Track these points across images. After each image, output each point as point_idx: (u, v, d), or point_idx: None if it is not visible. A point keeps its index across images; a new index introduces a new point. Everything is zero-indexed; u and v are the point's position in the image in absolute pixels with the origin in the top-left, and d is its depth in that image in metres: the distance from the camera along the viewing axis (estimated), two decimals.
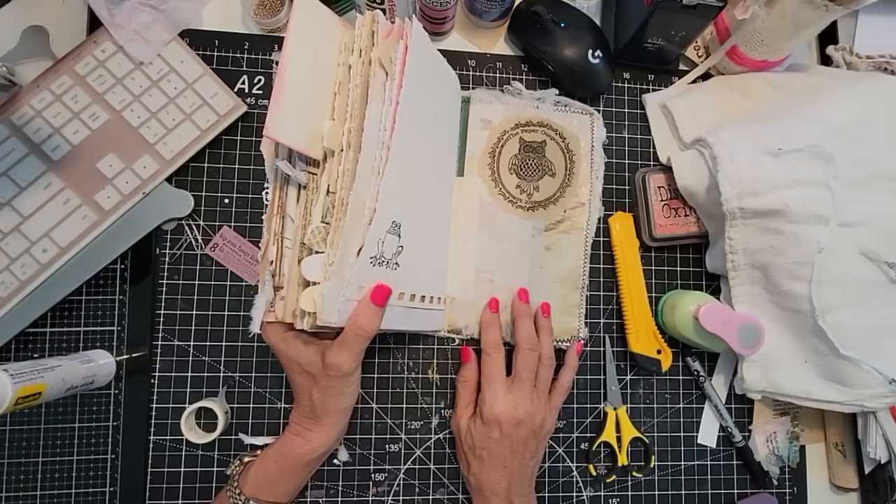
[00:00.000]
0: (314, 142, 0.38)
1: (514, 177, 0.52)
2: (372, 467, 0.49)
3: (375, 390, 0.50)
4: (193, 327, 0.48)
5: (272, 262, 0.40)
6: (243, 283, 0.49)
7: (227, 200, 0.49)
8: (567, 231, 0.52)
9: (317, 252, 0.37)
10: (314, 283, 0.37)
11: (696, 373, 0.53)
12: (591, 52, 0.51)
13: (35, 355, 0.46)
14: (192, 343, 0.48)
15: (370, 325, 0.38)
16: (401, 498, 0.49)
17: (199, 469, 0.47)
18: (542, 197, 0.52)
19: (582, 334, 0.52)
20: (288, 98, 0.37)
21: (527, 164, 0.52)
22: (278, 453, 0.42)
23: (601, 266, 0.53)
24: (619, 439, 0.51)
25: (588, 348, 0.52)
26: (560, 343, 0.51)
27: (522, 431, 0.44)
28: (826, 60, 0.57)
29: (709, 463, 0.53)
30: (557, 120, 0.52)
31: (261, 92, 0.50)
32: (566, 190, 0.52)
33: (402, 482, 0.49)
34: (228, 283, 0.48)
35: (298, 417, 0.43)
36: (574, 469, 0.51)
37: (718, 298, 0.52)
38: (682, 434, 0.53)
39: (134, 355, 0.47)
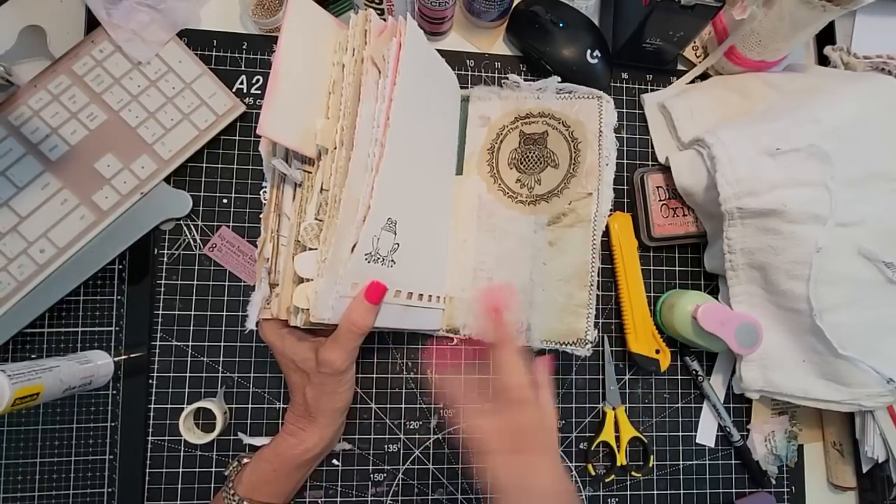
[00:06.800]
0: (308, 140, 0.38)
1: (514, 171, 0.51)
2: (371, 468, 0.49)
3: (374, 390, 0.50)
4: (192, 327, 0.48)
5: (268, 259, 0.40)
6: (242, 284, 0.48)
7: (225, 200, 0.49)
8: (572, 224, 0.49)
9: (310, 249, 0.38)
10: (308, 280, 0.37)
11: (694, 372, 0.53)
12: (589, 52, 0.51)
13: (33, 356, 0.46)
14: (190, 343, 0.48)
15: (364, 322, 0.38)
16: (399, 498, 0.49)
17: (197, 470, 0.47)
18: (545, 190, 0.50)
19: (590, 337, 0.47)
20: (282, 97, 0.37)
21: (527, 157, 0.51)
22: (272, 453, 0.42)
23: (600, 266, 0.53)
24: (617, 439, 0.51)
25: None
26: (565, 346, 0.47)
27: None
28: (824, 61, 0.57)
29: (707, 462, 0.53)
30: (560, 108, 0.50)
31: (259, 92, 0.50)
32: (571, 180, 0.49)
33: (400, 482, 0.49)
34: (227, 283, 0.48)
35: (293, 417, 0.43)
36: (573, 469, 0.51)
37: (717, 298, 0.52)
38: (680, 433, 0.53)
39: (132, 356, 0.47)
